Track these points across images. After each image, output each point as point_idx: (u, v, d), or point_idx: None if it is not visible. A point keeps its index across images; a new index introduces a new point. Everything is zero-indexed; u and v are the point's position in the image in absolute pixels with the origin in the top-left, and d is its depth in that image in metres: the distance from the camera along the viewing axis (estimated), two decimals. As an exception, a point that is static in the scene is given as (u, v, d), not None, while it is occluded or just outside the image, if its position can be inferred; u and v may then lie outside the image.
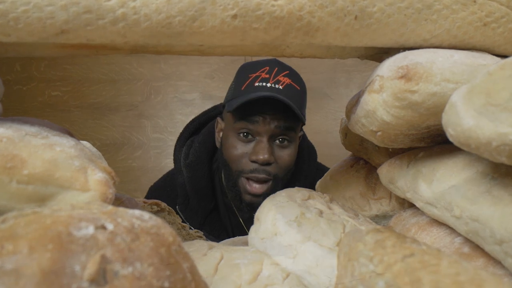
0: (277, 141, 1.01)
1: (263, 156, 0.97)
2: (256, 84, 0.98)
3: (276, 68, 1.00)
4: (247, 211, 1.08)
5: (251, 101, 0.95)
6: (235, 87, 1.03)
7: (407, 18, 0.45)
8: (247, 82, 1.00)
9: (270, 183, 1.01)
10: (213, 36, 0.42)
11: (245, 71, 1.03)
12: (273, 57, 1.04)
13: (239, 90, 1.01)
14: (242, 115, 0.99)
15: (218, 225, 1.14)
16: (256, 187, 1.01)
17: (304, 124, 1.07)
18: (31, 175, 0.34)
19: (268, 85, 0.98)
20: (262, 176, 1.00)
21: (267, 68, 1.00)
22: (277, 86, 0.98)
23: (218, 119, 1.12)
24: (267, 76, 0.99)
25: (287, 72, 1.01)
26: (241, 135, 1.00)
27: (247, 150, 1.00)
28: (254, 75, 1.00)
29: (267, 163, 0.99)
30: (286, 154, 1.02)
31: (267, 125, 0.98)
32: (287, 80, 0.99)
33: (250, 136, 1.00)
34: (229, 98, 1.04)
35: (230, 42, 0.44)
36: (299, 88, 1.02)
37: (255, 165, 0.99)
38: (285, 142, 1.02)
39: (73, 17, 0.39)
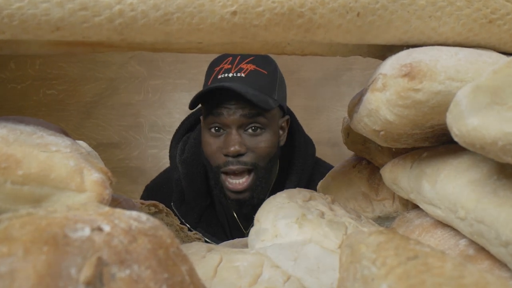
0: (250, 130, 1.01)
1: (233, 147, 0.98)
2: (219, 76, 1.00)
3: (239, 57, 1.01)
4: (236, 208, 1.09)
5: (213, 93, 0.96)
6: (204, 84, 1.06)
7: (410, 15, 0.45)
8: (212, 76, 1.02)
9: (251, 174, 1.01)
10: (212, 33, 0.42)
11: (212, 66, 1.05)
12: None
13: (206, 85, 1.03)
14: (208, 109, 1.01)
15: (214, 222, 1.15)
16: (236, 183, 1.01)
17: (283, 107, 1.07)
18: (26, 176, 0.34)
19: (230, 75, 0.99)
20: (236, 167, 1.00)
21: (230, 58, 1.02)
22: (239, 74, 0.98)
23: (201, 118, 1.12)
24: (229, 66, 1.00)
25: (251, 58, 1.01)
26: (213, 130, 1.02)
27: (219, 144, 1.01)
28: (218, 67, 1.02)
29: (239, 154, 0.99)
30: (261, 141, 1.02)
31: (232, 115, 0.98)
32: (251, 67, 1.00)
33: (221, 130, 1.01)
34: None
35: (230, 40, 0.44)
36: (266, 72, 1.02)
37: (228, 158, 1.00)
38: (258, 130, 1.01)
39: (69, 14, 0.39)
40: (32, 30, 0.39)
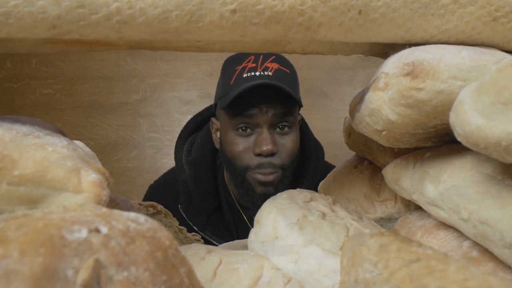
0: (278, 129, 1.01)
1: (266, 147, 0.97)
2: (245, 75, 0.98)
3: (262, 56, 1.00)
4: (261, 204, 1.08)
5: (243, 93, 0.95)
6: (223, 83, 1.04)
7: (413, 12, 0.45)
8: (235, 75, 1.00)
9: (279, 172, 1.01)
10: (212, 31, 0.42)
11: (231, 65, 1.03)
12: None
13: (228, 85, 1.01)
14: (237, 110, 0.99)
15: (222, 225, 1.14)
16: (267, 176, 1.01)
17: (301, 106, 1.08)
18: (22, 176, 0.34)
19: (257, 73, 0.98)
20: (268, 171, 1.00)
21: (252, 57, 1.01)
22: (266, 73, 0.98)
23: (213, 119, 1.12)
24: (254, 65, 0.99)
25: (273, 57, 1.01)
26: (240, 130, 1.01)
27: (249, 145, 1.00)
28: (241, 66, 1.00)
29: (272, 154, 0.99)
30: (288, 141, 1.02)
31: (264, 115, 0.98)
32: (275, 66, 0.99)
33: (249, 130, 1.01)
34: (220, 95, 1.04)
35: (229, 38, 0.44)
36: (289, 72, 1.02)
37: (260, 159, 1.00)
38: (286, 129, 1.02)
39: (66, 12, 0.39)
40: (28, 28, 0.39)
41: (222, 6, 0.41)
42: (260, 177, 1.01)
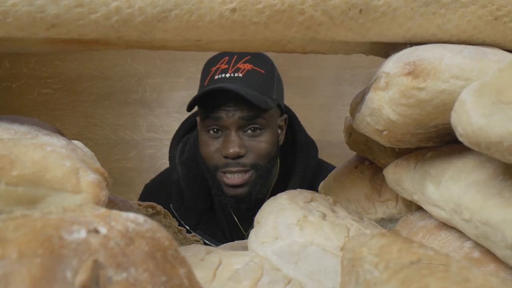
0: (249, 131, 1.01)
1: (232, 149, 0.98)
2: (216, 76, 1.00)
3: (236, 56, 1.01)
4: (234, 207, 1.09)
5: (209, 95, 0.96)
6: (200, 84, 1.05)
7: (414, 11, 0.45)
8: (209, 77, 1.02)
9: (250, 172, 1.02)
10: (211, 30, 0.42)
11: (207, 66, 1.05)
12: None
13: (202, 86, 1.03)
14: (206, 112, 1.01)
15: (214, 224, 1.15)
16: (234, 177, 1.02)
17: (281, 106, 1.08)
18: (20, 176, 0.34)
19: (227, 75, 0.99)
20: (236, 169, 1.01)
21: (227, 58, 1.01)
22: (236, 74, 0.98)
23: (197, 118, 1.13)
24: (226, 66, 1.00)
25: (248, 57, 1.01)
26: (211, 132, 1.02)
27: (218, 145, 1.02)
28: (215, 67, 1.02)
29: (238, 156, 1.00)
30: (260, 142, 1.02)
31: (230, 118, 0.98)
32: (248, 66, 1.00)
33: (220, 132, 1.02)
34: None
35: (229, 37, 0.44)
36: (263, 72, 1.02)
37: (228, 160, 1.01)
38: (257, 131, 1.02)
39: (64, 11, 0.39)
40: (27, 27, 0.39)
41: (221, 5, 0.41)
42: (226, 179, 1.02)
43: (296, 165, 1.13)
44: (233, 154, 0.98)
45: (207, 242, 1.09)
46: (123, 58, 2.08)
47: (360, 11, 0.44)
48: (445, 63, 0.41)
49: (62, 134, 0.46)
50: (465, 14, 0.46)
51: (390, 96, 0.43)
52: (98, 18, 0.39)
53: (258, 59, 1.03)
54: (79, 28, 0.40)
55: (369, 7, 0.44)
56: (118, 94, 2.09)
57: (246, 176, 1.02)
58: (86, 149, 0.54)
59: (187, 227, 1.11)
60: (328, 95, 2.10)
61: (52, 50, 0.46)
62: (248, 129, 1.01)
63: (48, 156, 0.36)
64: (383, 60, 0.49)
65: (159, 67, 2.08)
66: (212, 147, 1.02)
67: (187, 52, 0.50)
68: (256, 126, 1.01)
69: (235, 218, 1.15)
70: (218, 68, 1.01)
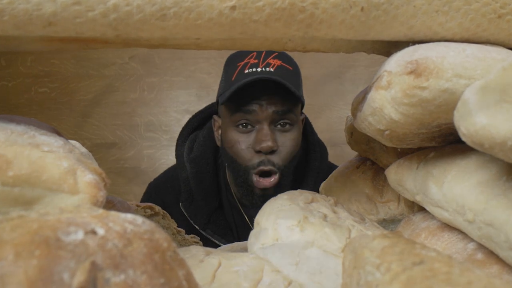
0: (279, 126, 1.02)
1: (266, 144, 0.98)
2: (246, 71, 0.99)
3: (264, 52, 1.01)
4: (260, 205, 1.08)
5: (243, 88, 0.96)
6: (225, 80, 1.04)
7: (416, 9, 0.45)
8: (237, 71, 1.01)
9: (277, 175, 1.02)
10: (211, 29, 0.42)
11: (233, 61, 1.04)
12: None
13: (229, 81, 1.02)
14: (237, 106, 1.00)
15: (223, 224, 1.15)
16: (265, 181, 1.02)
17: (303, 105, 1.08)
18: (16, 177, 0.34)
19: (259, 69, 0.99)
20: (268, 168, 1.00)
21: (254, 53, 1.01)
22: (268, 69, 0.98)
23: (215, 117, 1.12)
24: (256, 61, 1.00)
25: (276, 54, 1.02)
26: (240, 126, 1.01)
27: (249, 142, 1.01)
28: (243, 63, 1.01)
29: (272, 151, 1.00)
30: (289, 139, 1.02)
31: (264, 111, 0.98)
32: (278, 62, 1.00)
33: (249, 126, 1.01)
34: (221, 91, 1.05)
35: (229, 35, 0.44)
36: (291, 68, 1.02)
37: (261, 156, 1.00)
38: (287, 126, 1.02)
39: (61, 9, 0.39)
40: (23, 25, 0.39)
41: (221, 2, 0.41)
42: (259, 183, 1.02)
43: (309, 166, 1.14)
44: (267, 148, 0.98)
45: (216, 242, 1.09)
46: (121, 56, 2.08)
47: (362, 9, 0.44)
48: (448, 61, 0.41)
49: (59, 134, 0.46)
50: (469, 12, 0.46)
51: (392, 95, 0.43)
52: (95, 16, 0.39)
53: (285, 56, 1.04)
54: (76, 26, 0.40)
55: (370, 5, 0.44)
56: (116, 93, 2.09)
57: (275, 178, 1.02)
58: (83, 149, 0.54)
59: (197, 227, 1.11)
60: (329, 94, 2.10)
61: (49, 49, 0.46)
62: (279, 124, 1.01)
63: (45, 156, 0.36)
64: (385, 59, 0.49)
65: (157, 66, 2.08)
66: (243, 144, 1.01)
67: (186, 51, 0.50)
68: (286, 121, 1.01)
69: (246, 217, 1.14)
70: (247, 63, 1.00)
